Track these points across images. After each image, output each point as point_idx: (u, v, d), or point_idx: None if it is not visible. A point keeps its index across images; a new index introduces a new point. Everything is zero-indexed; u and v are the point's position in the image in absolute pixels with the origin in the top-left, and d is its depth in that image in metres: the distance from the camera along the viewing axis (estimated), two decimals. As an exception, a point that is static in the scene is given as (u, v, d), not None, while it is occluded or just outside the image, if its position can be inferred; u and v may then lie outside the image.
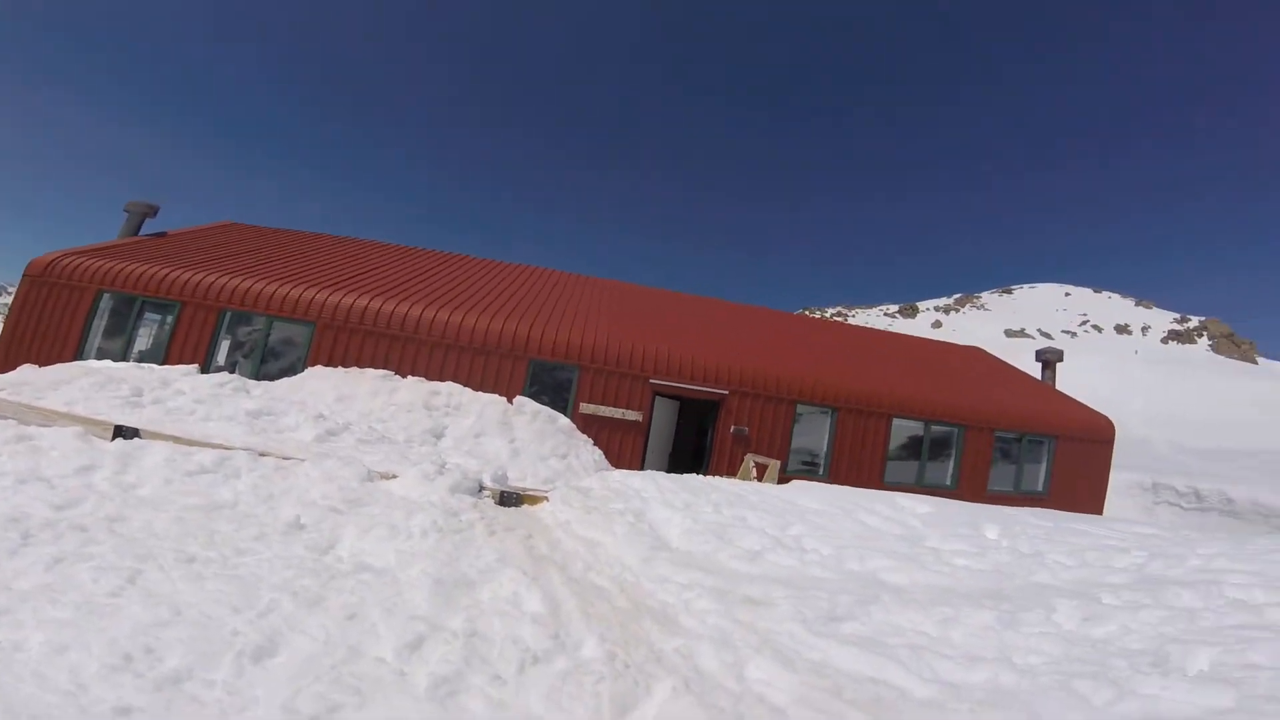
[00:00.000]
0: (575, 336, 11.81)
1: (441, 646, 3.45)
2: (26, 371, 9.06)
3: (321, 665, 3.14)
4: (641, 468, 11.33)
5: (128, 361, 10.10)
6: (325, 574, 4.26)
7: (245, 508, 5.23)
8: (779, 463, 11.50)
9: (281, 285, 11.77)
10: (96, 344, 11.41)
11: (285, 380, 10.24)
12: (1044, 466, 14.50)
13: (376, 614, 3.73)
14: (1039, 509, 9.33)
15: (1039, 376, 18.20)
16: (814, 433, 12.87)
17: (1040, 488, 14.38)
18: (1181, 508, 15.86)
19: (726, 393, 12.10)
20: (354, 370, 11.05)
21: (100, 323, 11.60)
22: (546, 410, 10.56)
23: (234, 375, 8.84)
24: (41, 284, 11.67)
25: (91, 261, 11.98)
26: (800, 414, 12.66)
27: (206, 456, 5.73)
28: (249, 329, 11.62)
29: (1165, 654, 3.63)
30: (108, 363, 9.30)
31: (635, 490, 6.83)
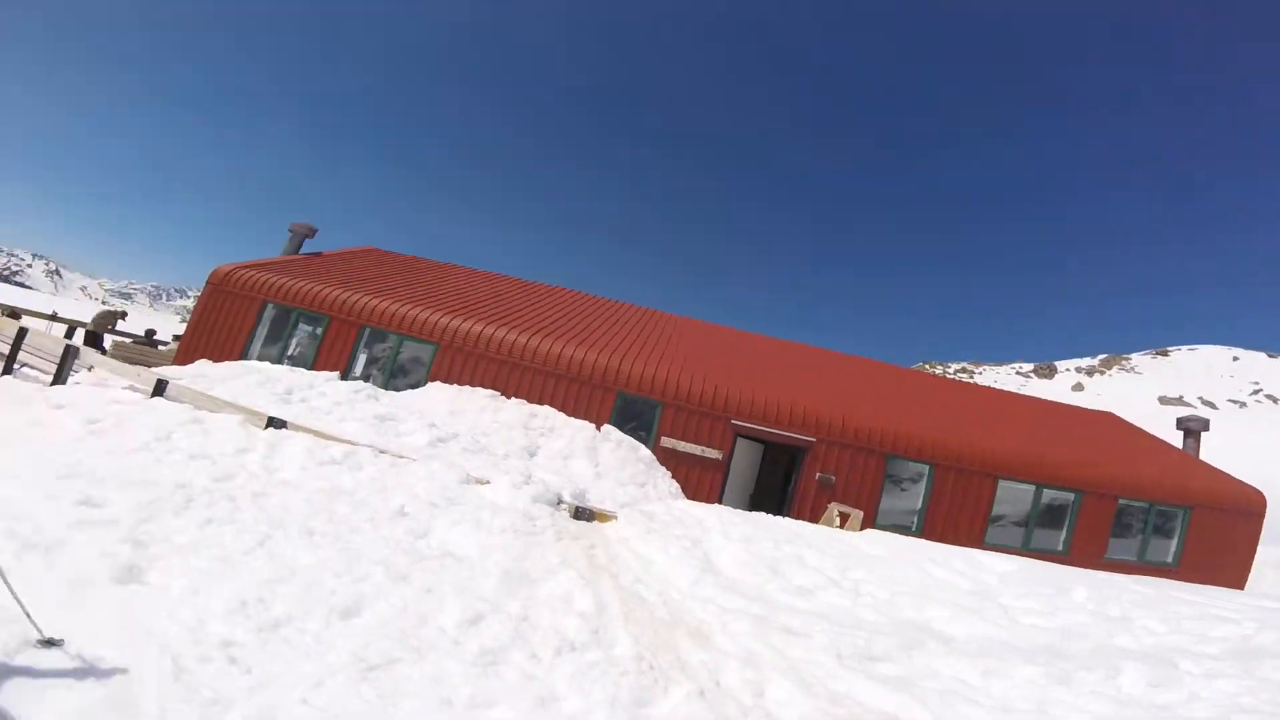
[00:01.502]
0: (661, 372, 12.32)
1: (496, 626, 3.98)
2: (203, 366, 10.91)
3: (393, 628, 3.75)
4: (719, 504, 11.53)
5: (283, 364, 11.81)
6: (416, 555, 4.94)
7: (363, 495, 6.09)
8: (862, 513, 11.26)
9: (412, 307, 13.26)
10: (258, 347, 13.42)
11: (409, 392, 11.52)
12: (1176, 539, 13.09)
13: (449, 591, 4.34)
14: (1145, 577, 8.55)
15: (1181, 445, 16.40)
16: (908, 487, 12.46)
17: (1170, 560, 12.97)
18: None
19: (814, 439, 12.06)
20: (466, 388, 12.15)
21: (263, 329, 13.63)
22: (630, 440, 11.09)
23: (367, 384, 10.14)
24: (220, 292, 13.89)
25: (260, 275, 14.11)
26: (893, 467, 12.34)
27: (337, 449, 6.75)
28: (383, 345, 13.19)
29: (1224, 722, 3.45)
30: (266, 364, 10.97)
31: (697, 519, 7.14)
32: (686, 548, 6.21)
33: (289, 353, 13.27)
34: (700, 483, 11.59)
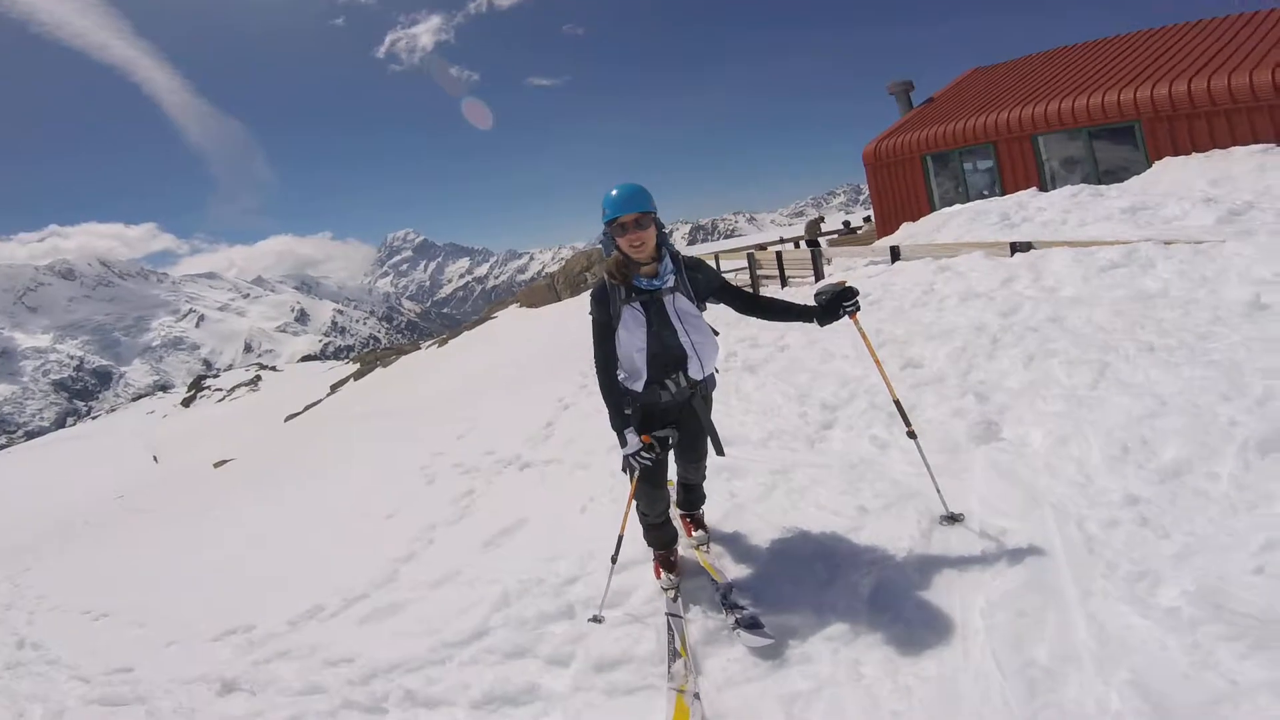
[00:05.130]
0: None
1: None
2: (906, 228, 11.41)
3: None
4: None
5: (970, 201, 11.27)
6: (1329, 361, 3.38)
7: (1179, 294, 4.86)
8: None
9: (1088, 95, 10.92)
10: (938, 194, 13.41)
11: (1134, 179, 9.32)
12: None
13: None
14: None
15: None
16: None
17: None
18: None
19: None
20: (1214, 154, 9.40)
21: (933, 180, 13.53)
22: None
23: (1083, 185, 8.58)
24: (879, 166, 14.50)
25: (903, 136, 14.04)
26: None
27: (1111, 253, 5.68)
28: (1072, 144, 11.26)
29: None
30: (960, 205, 10.60)
31: None
32: None
33: (970, 191, 12.75)
34: None
